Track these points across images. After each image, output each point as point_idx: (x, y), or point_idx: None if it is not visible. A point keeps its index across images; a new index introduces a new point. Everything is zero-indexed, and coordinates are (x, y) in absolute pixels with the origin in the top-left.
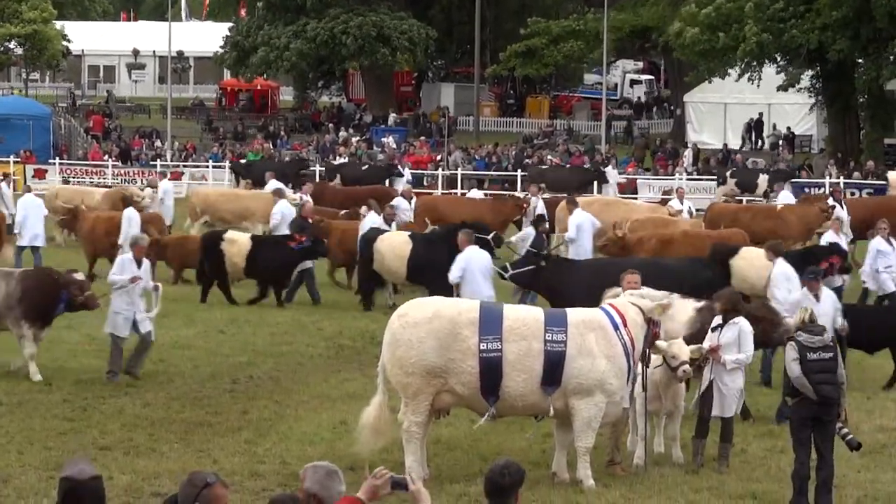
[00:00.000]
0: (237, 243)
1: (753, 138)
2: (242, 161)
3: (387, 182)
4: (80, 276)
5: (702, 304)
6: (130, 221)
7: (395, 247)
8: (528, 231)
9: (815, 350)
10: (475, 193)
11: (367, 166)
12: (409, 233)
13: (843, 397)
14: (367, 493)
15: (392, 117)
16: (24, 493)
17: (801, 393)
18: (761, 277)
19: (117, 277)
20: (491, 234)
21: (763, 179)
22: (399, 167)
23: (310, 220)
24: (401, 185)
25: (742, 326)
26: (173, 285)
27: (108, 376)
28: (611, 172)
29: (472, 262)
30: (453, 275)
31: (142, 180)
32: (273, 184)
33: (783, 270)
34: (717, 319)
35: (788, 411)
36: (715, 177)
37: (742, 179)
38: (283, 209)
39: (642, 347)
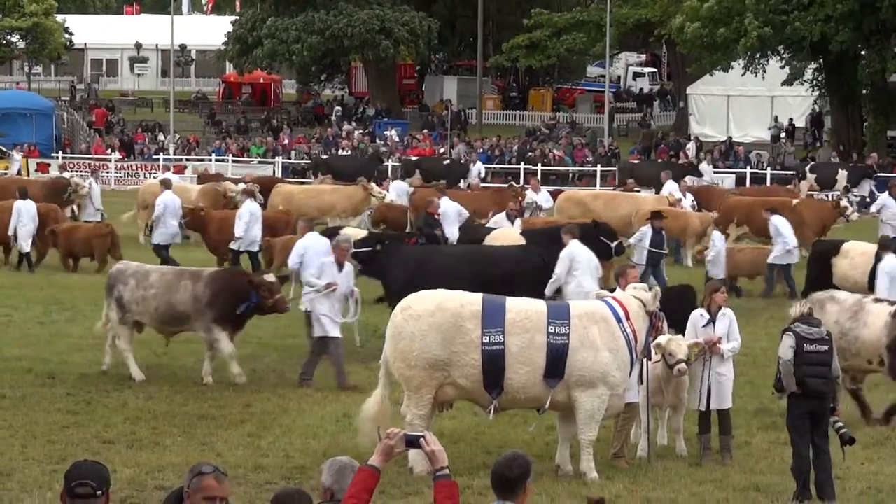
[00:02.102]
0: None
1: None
2: (324, 157)
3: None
4: (270, 277)
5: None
6: (20, 213)
7: (516, 242)
8: (645, 230)
9: (811, 342)
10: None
11: (448, 161)
12: (522, 230)
13: (838, 391)
14: (380, 455)
15: (336, 110)
16: (28, 487)
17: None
18: (864, 274)
19: (315, 281)
20: (615, 243)
21: (842, 175)
22: (472, 162)
23: (437, 217)
24: (469, 178)
25: (731, 316)
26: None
27: (303, 380)
28: (705, 168)
29: (310, 249)
30: (292, 261)
31: (145, 174)
32: (167, 175)
33: (570, 252)
34: (704, 314)
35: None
36: (718, 169)
37: (822, 175)
38: (166, 200)
39: (645, 341)
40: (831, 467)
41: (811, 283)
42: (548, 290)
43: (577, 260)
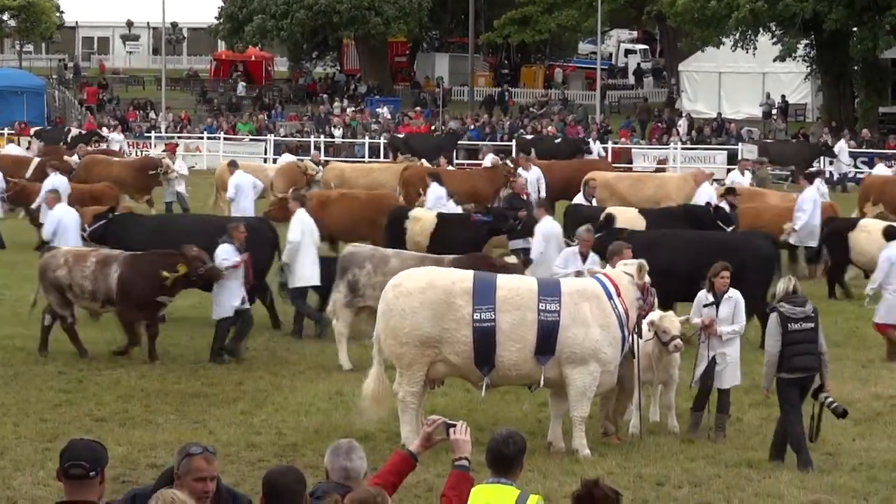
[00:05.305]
0: (422, 221)
1: None
2: (400, 136)
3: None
4: (513, 259)
5: None
6: None
7: (631, 222)
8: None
9: (796, 321)
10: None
11: (559, 140)
12: (639, 209)
13: (824, 367)
14: (420, 442)
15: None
16: (21, 465)
17: (788, 366)
18: (880, 248)
19: (562, 271)
20: (731, 228)
21: None
22: (588, 141)
23: (523, 197)
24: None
25: (737, 299)
26: None
27: None
28: (841, 147)
29: (63, 219)
30: (46, 231)
31: (137, 151)
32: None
33: (301, 218)
34: (708, 295)
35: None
36: (710, 146)
37: None
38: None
39: (636, 318)
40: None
41: (830, 258)
42: (285, 257)
43: (305, 230)
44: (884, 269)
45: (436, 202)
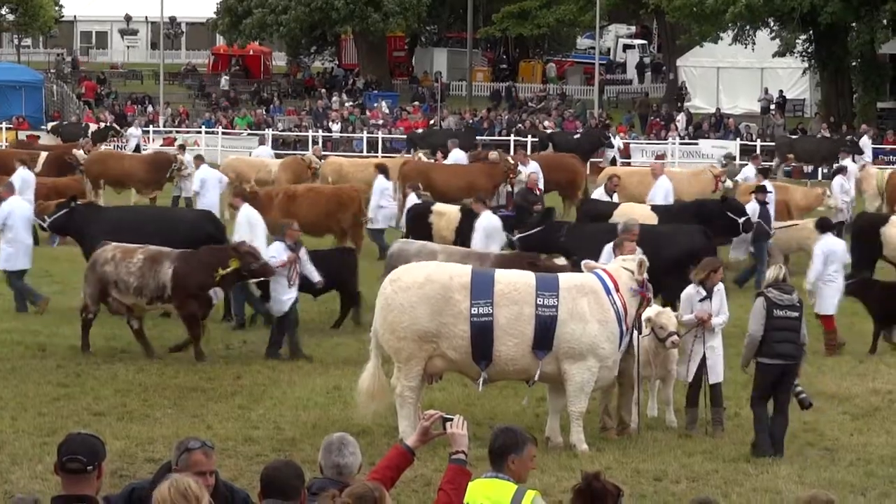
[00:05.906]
0: (446, 216)
1: None
2: (419, 131)
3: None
4: (561, 260)
5: None
6: None
7: (644, 219)
8: (752, 206)
9: (782, 308)
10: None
11: (579, 134)
12: (652, 205)
13: (802, 357)
14: (417, 436)
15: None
16: (18, 459)
17: (768, 352)
18: None
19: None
20: (742, 219)
21: None
22: (610, 136)
23: (536, 192)
24: (610, 154)
25: (723, 291)
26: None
27: None
28: (865, 143)
29: (14, 211)
30: None
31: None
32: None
33: (246, 214)
34: (700, 290)
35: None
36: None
37: None
38: None
39: (635, 313)
40: (786, 429)
41: (860, 254)
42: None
43: (253, 223)
44: (820, 261)
45: (380, 195)
